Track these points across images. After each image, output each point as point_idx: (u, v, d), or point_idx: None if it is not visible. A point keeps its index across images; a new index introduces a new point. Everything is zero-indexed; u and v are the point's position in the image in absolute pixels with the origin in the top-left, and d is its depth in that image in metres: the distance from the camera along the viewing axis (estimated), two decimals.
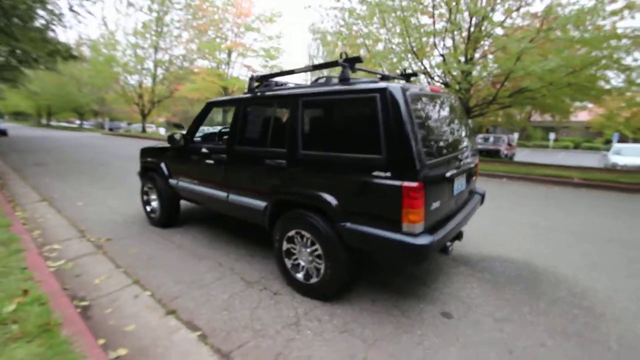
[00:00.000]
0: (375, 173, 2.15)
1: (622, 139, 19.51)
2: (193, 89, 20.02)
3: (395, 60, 11.01)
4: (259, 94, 3.04)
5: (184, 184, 3.79)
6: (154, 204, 4.34)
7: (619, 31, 8.50)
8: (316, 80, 2.83)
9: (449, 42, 10.59)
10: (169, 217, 4.20)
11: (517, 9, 9.75)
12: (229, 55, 21.45)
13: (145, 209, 4.49)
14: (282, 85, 3.09)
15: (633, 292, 2.81)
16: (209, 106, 3.58)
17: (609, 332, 2.26)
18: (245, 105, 3.11)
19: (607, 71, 9.04)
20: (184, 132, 3.87)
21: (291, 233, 2.65)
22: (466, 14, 9.98)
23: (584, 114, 17.74)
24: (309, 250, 2.59)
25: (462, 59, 10.47)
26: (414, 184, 2.02)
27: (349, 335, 2.20)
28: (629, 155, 10.99)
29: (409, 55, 10.94)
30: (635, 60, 8.34)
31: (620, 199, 6.76)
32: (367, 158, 2.20)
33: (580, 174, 8.74)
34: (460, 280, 2.93)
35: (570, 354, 2.04)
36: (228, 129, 4.43)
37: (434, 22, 10.32)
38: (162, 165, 4.09)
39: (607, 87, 9.35)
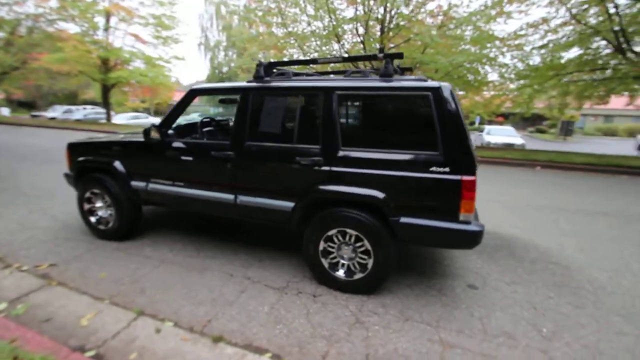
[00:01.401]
0: (433, 169, 2.27)
1: (482, 122, 24.34)
2: (59, 59, 15.94)
3: (319, 43, 11.11)
4: (275, 83, 2.73)
5: (158, 186, 3.17)
6: (103, 212, 3.50)
7: (500, 35, 10.55)
8: (348, 72, 2.71)
9: (369, 30, 11.19)
10: (131, 227, 3.47)
11: (424, 4, 10.94)
12: (108, 20, 17.77)
13: (87, 221, 3.57)
14: (302, 75, 2.84)
15: (575, 245, 3.75)
16: (193, 94, 3.02)
17: (580, 278, 3.00)
18: (257, 96, 2.75)
19: (487, 67, 11.14)
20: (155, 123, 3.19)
21: (332, 232, 2.57)
22: (381, 8, 10.69)
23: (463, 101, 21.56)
24: (351, 247, 2.58)
25: (377, 46, 11.26)
26: (472, 178, 2.22)
27: (413, 321, 2.34)
28: (497, 135, 14.03)
29: (332, 40, 11.16)
30: (512, 59, 10.50)
31: (499, 170, 8.63)
32: (423, 154, 2.30)
33: None
34: (461, 255, 3.37)
35: (569, 299, 2.65)
36: (211, 120, 3.87)
37: (356, 9, 10.74)
38: (117, 164, 3.30)
39: (487, 79, 11.55)
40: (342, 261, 2.64)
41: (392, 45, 11.88)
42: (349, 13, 11.50)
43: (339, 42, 11.16)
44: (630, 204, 5.60)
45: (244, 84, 2.83)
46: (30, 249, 3.30)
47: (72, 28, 17.81)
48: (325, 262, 2.66)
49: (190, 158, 2.98)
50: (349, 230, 2.52)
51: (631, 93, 10.25)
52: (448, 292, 2.71)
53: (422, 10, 11.12)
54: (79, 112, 22.45)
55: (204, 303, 2.49)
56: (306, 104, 2.61)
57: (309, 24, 11.84)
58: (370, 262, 2.52)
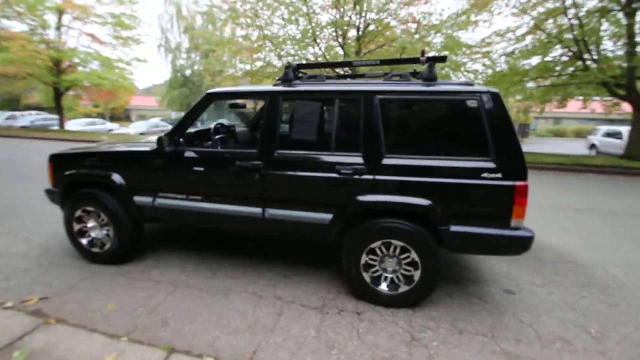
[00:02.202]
0: (485, 175, 2.21)
1: None
2: (5, 60, 14.31)
3: (297, 47, 10.98)
4: (308, 87, 2.54)
5: (168, 201, 2.83)
6: (97, 233, 3.08)
7: (469, 42, 11.07)
8: (388, 76, 2.58)
9: (349, 34, 11.25)
10: (132, 248, 3.08)
11: (396, 12, 11.20)
12: (60, 17, 16.29)
13: (76, 243, 3.12)
14: (333, 78, 2.66)
15: (581, 243, 3.91)
16: (210, 98, 2.73)
17: (600, 276, 3.11)
18: (288, 100, 2.55)
19: (459, 73, 11.64)
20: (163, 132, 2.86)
21: (375, 244, 2.43)
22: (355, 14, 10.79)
23: None
24: (396, 259, 2.45)
25: (354, 50, 11.35)
26: (525, 183, 2.19)
27: (468, 333, 2.25)
28: None
29: (309, 44, 11.07)
30: (483, 66, 11.04)
31: None
32: (473, 161, 2.23)
33: None
34: (485, 259, 3.37)
35: (600, 298, 2.73)
36: (222, 127, 3.56)
37: (336, 13, 10.75)
38: (116, 177, 2.91)
39: None
40: (385, 274, 2.50)
41: (366, 51, 12.06)
42: (324, 17, 11.53)
43: (317, 46, 11.10)
44: (609, 200, 6.04)
45: (271, 87, 2.60)
46: (9, 280, 2.80)
47: (17, 26, 16.14)
48: (366, 276, 2.51)
49: (209, 169, 2.69)
50: (394, 242, 2.40)
51: (586, 97, 11.20)
52: (489, 299, 2.67)
53: (396, 17, 11.39)
54: (25, 119, 20.31)
55: (240, 331, 2.23)
56: (345, 109, 2.45)
57: (284, 27, 11.68)
58: (417, 274, 2.41)
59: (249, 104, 4.39)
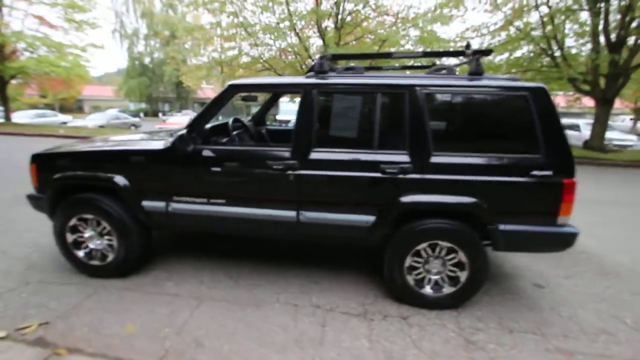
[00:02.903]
0: (535, 172, 2.18)
1: None
2: None
3: (275, 35, 10.57)
4: (346, 79, 2.35)
5: (185, 206, 2.53)
6: (96, 243, 2.70)
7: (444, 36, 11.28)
8: (432, 69, 2.44)
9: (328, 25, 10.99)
10: (141, 258, 2.75)
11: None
12: None
13: (71, 256, 2.73)
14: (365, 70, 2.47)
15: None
16: (234, 90, 2.44)
17: (612, 264, 3.26)
18: (325, 94, 2.34)
19: None
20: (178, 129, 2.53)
21: (421, 246, 2.33)
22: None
23: None
24: (441, 260, 2.37)
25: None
26: (573, 180, 2.19)
27: (518, 332, 2.23)
28: None
29: (291, 34, 10.71)
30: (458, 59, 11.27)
31: None
32: (524, 158, 2.19)
33: None
34: (506, 254, 3.41)
35: (622, 286, 2.85)
36: (237, 122, 3.25)
37: (316, 4, 10.43)
38: (119, 179, 2.55)
39: None
40: (429, 276, 2.42)
41: (343, 42, 11.91)
42: (300, 5, 11.17)
43: (297, 36, 10.76)
44: (588, 190, 6.44)
45: (305, 79, 2.38)
46: None
47: None
48: (410, 279, 2.41)
49: (235, 169, 2.43)
50: (441, 243, 2.31)
51: (554, 92, 11.92)
52: (523, 294, 2.69)
53: (376, 9, 11.32)
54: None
55: (289, 347, 2.05)
56: (388, 104, 2.30)
57: (260, 14, 11.17)
58: (463, 275, 2.35)
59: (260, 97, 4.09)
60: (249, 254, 3.23)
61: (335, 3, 10.39)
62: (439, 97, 2.26)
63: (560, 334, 2.23)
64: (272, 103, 4.02)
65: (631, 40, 9.27)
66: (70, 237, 2.69)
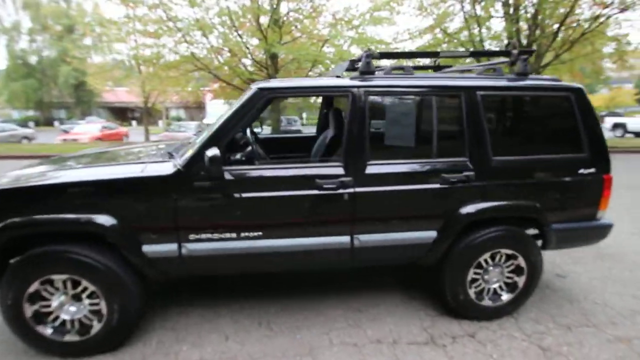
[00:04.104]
0: (582, 171, 2.22)
1: None
2: None
3: (207, 33, 9.68)
4: (396, 81, 2.06)
5: (208, 245, 1.97)
6: (70, 312, 1.96)
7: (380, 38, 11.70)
8: (480, 69, 2.28)
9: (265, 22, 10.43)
10: (136, 323, 2.08)
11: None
12: None
13: (32, 334, 1.93)
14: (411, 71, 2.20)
15: None
16: (264, 95, 1.94)
17: (601, 245, 3.57)
18: (376, 98, 2.03)
19: None
20: (194, 147, 1.93)
21: (484, 257, 2.20)
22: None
23: None
24: (500, 268, 2.28)
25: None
26: (610, 175, 2.29)
27: (575, 327, 2.26)
28: None
29: (228, 30, 9.89)
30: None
31: None
32: (572, 157, 2.22)
33: None
34: None
35: (618, 265, 3.13)
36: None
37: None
38: (105, 220, 1.87)
39: None
40: (487, 286, 2.31)
41: (283, 41, 11.54)
42: (231, 3, 10.42)
43: (237, 32, 10.01)
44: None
45: (351, 81, 2.03)
46: None
47: None
48: (471, 293, 2.27)
49: (273, 193, 1.96)
50: (503, 250, 2.22)
51: None
52: (552, 286, 2.78)
53: (313, 10, 11.18)
54: None
55: None
56: (444, 108, 2.09)
57: (189, 7, 10.09)
58: (521, 280, 2.29)
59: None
60: (258, 288, 2.73)
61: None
62: (494, 98, 2.15)
63: (608, 322, 2.33)
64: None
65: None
66: (29, 309, 1.88)
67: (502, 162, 2.13)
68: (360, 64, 2.07)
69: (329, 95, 2.12)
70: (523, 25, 10.44)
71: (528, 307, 2.48)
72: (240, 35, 10.25)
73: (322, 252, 2.06)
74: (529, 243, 2.23)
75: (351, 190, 1.99)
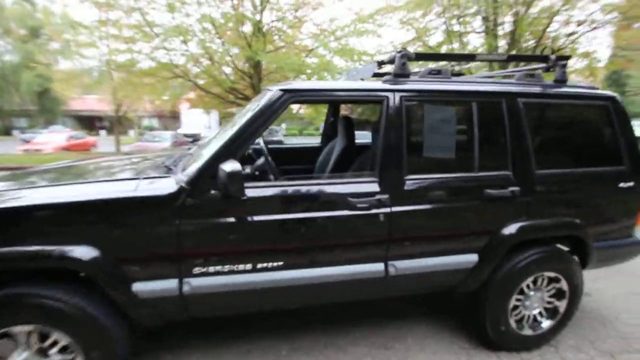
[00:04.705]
0: (622, 185, 2.07)
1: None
2: None
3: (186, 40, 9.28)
4: (434, 85, 1.83)
5: (218, 280, 1.61)
6: None
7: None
8: (519, 74, 2.09)
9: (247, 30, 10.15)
10: None
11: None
12: None
13: None
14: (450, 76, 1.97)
15: None
16: (287, 98, 1.63)
17: None
18: (413, 103, 1.78)
19: None
20: (202, 159, 1.58)
21: (528, 280, 1.98)
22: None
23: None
24: (541, 293, 2.07)
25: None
26: None
27: (619, 354, 2.09)
28: None
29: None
30: None
31: None
32: (612, 170, 2.07)
33: None
34: None
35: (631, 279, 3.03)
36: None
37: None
38: (85, 253, 1.48)
39: None
40: (527, 313, 2.08)
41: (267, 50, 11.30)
42: (208, 9, 10.09)
43: (220, 39, 9.67)
44: None
45: (388, 84, 1.77)
46: None
47: None
48: (512, 322, 2.03)
49: (299, 214, 1.65)
50: (546, 274, 2.01)
51: None
52: (581, 308, 2.58)
53: (297, 20, 11.06)
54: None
55: None
56: (485, 116, 1.87)
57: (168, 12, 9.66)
58: (562, 304, 2.09)
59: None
60: (265, 323, 2.36)
61: (261, 7, 9.69)
62: (536, 106, 1.96)
63: None
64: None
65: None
66: None
67: (544, 176, 1.94)
68: (394, 66, 1.82)
69: (360, 101, 1.86)
70: (501, 40, 10.79)
71: (564, 333, 2.28)
72: (223, 43, 9.91)
73: (352, 283, 1.76)
74: (572, 264, 2.04)
75: (387, 209, 1.71)
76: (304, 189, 1.67)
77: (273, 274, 1.66)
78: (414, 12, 11.21)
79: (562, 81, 2.05)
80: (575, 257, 2.08)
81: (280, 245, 1.66)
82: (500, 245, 1.88)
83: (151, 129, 27.45)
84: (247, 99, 11.19)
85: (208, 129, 23.77)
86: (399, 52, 1.83)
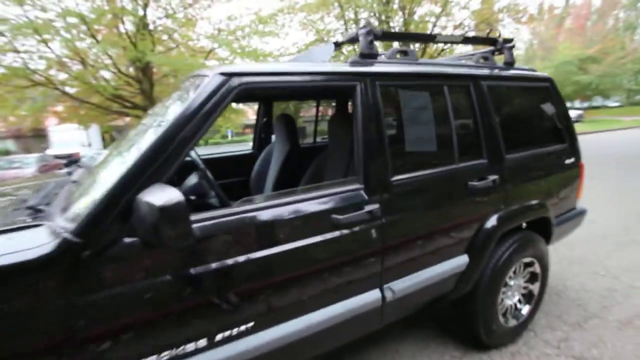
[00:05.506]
0: (567, 161, 2.16)
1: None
2: None
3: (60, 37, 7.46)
4: (417, 69, 1.53)
5: None
6: None
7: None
8: (475, 56, 1.91)
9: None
10: None
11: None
12: None
13: None
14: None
15: None
16: (231, 83, 1.09)
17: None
18: (387, 90, 1.44)
19: None
20: (102, 190, 0.93)
21: (511, 272, 1.88)
22: None
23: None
24: (518, 281, 2.01)
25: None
26: (583, 162, 2.31)
27: (593, 318, 2.17)
28: None
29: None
30: None
31: None
32: (559, 148, 2.13)
33: None
34: None
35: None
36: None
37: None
38: None
39: None
40: (509, 304, 2.00)
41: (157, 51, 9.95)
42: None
43: (97, 43, 8.01)
44: None
45: (359, 67, 1.39)
46: None
47: None
48: (501, 318, 1.91)
49: (272, 249, 1.15)
50: (523, 260, 1.94)
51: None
52: (596, 288, 2.58)
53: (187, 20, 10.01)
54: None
55: None
56: (457, 101, 1.66)
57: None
58: (536, 287, 2.07)
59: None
60: None
61: (143, 1, 8.37)
62: (495, 89, 1.85)
63: (601, 307, 2.32)
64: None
65: None
66: None
67: (512, 160, 1.85)
68: (360, 45, 1.46)
69: (326, 87, 1.43)
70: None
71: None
72: (97, 42, 8.23)
73: (343, 325, 1.34)
74: (542, 246, 2.02)
75: (379, 221, 1.35)
76: (273, 213, 1.18)
77: (239, 343, 1.13)
78: (314, 15, 11.33)
79: (510, 63, 2.02)
80: (542, 238, 2.08)
81: (246, 298, 1.14)
82: (488, 240, 1.71)
83: (6, 152, 21.68)
84: (138, 107, 9.65)
85: (87, 147, 19.92)
86: (363, 27, 1.48)
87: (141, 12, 8.68)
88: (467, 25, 10.78)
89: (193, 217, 1.01)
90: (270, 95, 2.45)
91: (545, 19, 28.10)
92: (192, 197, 1.27)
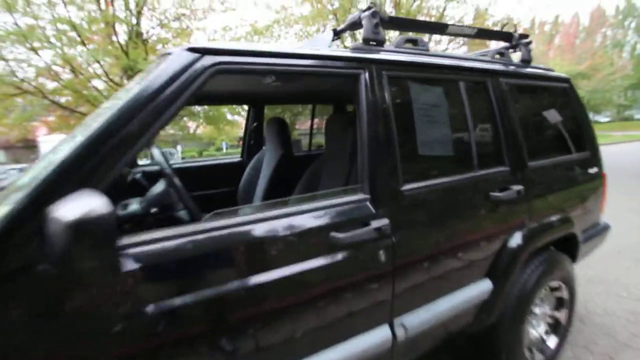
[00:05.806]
0: (590, 171, 1.94)
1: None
2: None
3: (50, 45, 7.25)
4: (414, 57, 1.30)
5: None
6: None
7: None
8: (492, 52, 1.70)
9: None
10: None
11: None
12: None
13: None
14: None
15: None
16: (209, 67, 0.86)
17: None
18: (397, 83, 1.21)
19: None
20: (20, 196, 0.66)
21: (538, 295, 1.63)
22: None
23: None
24: (544, 309, 1.75)
25: None
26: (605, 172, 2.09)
27: (624, 349, 1.90)
28: None
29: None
30: None
31: None
32: (581, 157, 1.92)
33: None
34: None
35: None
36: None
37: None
38: None
39: None
40: (535, 336, 1.73)
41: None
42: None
43: (85, 45, 7.81)
44: None
45: (358, 53, 1.16)
46: None
47: None
48: (527, 352, 1.64)
49: (261, 275, 0.89)
50: (552, 283, 1.69)
51: None
52: (624, 313, 2.34)
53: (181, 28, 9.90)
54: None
55: None
56: (472, 98, 1.43)
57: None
58: (563, 314, 1.81)
59: None
60: None
61: (137, 9, 8.23)
62: (515, 88, 1.63)
63: (630, 335, 2.07)
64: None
65: None
66: None
67: (535, 168, 1.62)
68: (364, 30, 1.22)
69: (323, 74, 1.19)
70: None
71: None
72: (88, 50, 8.03)
73: None
74: (569, 267, 1.77)
75: (389, 240, 1.09)
76: (253, 230, 0.91)
77: None
78: (310, 27, 11.30)
79: (527, 61, 1.81)
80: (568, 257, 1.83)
81: (222, 345, 0.86)
82: (514, 261, 1.46)
83: None
84: None
85: None
86: (367, 9, 1.26)
87: (134, 21, 8.55)
88: (460, 39, 10.81)
89: (134, 239, 0.74)
90: (259, 94, 2.19)
91: (536, 33, 28.72)
92: (154, 210, 1.01)
